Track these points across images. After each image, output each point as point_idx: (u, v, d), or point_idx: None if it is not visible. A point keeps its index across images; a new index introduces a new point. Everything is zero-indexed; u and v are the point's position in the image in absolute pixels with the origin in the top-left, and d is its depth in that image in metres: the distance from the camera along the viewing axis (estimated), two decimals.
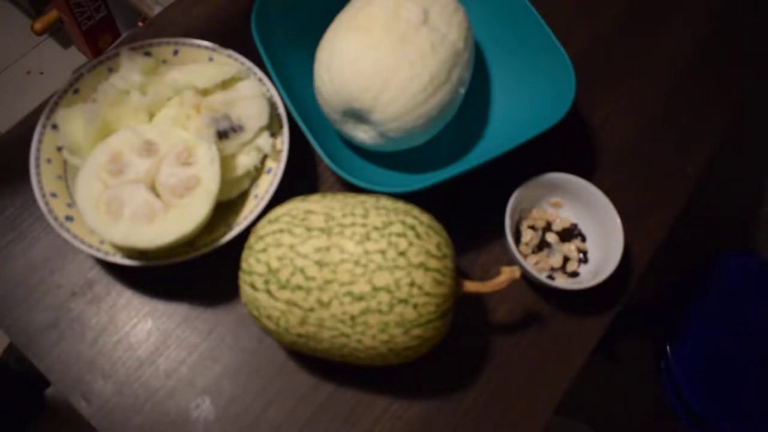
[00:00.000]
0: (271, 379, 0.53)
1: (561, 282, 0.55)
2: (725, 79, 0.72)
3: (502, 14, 0.62)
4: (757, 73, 0.74)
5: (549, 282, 0.54)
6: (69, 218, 0.52)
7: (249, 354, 0.54)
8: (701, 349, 0.94)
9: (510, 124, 0.61)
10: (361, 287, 0.43)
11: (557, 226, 0.59)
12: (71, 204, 0.53)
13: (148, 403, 0.52)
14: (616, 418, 1.25)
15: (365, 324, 0.44)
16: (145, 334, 0.54)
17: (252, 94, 0.56)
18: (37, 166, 0.53)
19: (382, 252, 0.44)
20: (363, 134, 0.56)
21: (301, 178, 0.61)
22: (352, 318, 0.44)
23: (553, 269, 0.58)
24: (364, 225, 0.45)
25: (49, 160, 0.54)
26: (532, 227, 0.59)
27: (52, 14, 1.43)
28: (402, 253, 0.44)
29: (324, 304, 0.44)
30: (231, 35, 0.68)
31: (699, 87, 0.72)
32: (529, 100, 0.60)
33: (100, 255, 0.50)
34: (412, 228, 0.45)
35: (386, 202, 0.47)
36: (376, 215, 0.46)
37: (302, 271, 0.44)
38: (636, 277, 0.60)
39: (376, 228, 0.45)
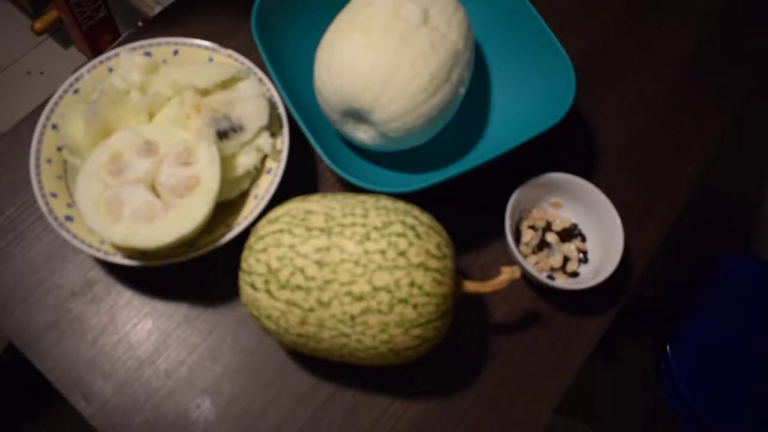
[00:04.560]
0: (271, 379, 0.53)
1: (561, 282, 0.55)
2: (725, 79, 0.72)
3: (502, 14, 0.62)
4: (757, 73, 0.74)
5: (549, 282, 0.54)
6: (69, 218, 0.52)
7: (249, 354, 0.54)
8: (701, 349, 0.94)
9: (510, 124, 0.61)
10: (361, 287, 0.43)
11: (557, 226, 0.59)
12: (71, 204, 0.53)
13: (148, 403, 0.52)
14: (616, 418, 1.24)
15: (365, 324, 0.44)
16: (145, 334, 0.54)
17: (252, 94, 0.56)
18: (37, 166, 0.53)
19: (382, 252, 0.44)
20: (363, 134, 0.56)
21: (301, 178, 0.61)
22: (352, 318, 0.44)
23: (553, 269, 0.58)
24: (364, 225, 0.45)
25: (49, 160, 0.54)
26: (532, 227, 0.59)
27: (52, 14, 1.43)
28: (402, 253, 0.44)
29: (324, 304, 0.44)
30: (231, 35, 0.68)
31: (699, 87, 0.72)
32: (529, 100, 0.60)
33: (100, 255, 0.50)
34: (412, 228, 0.45)
35: (386, 202, 0.47)
36: (376, 215, 0.46)
37: (302, 271, 0.44)
38: (636, 277, 0.60)
39: (376, 228, 0.45)
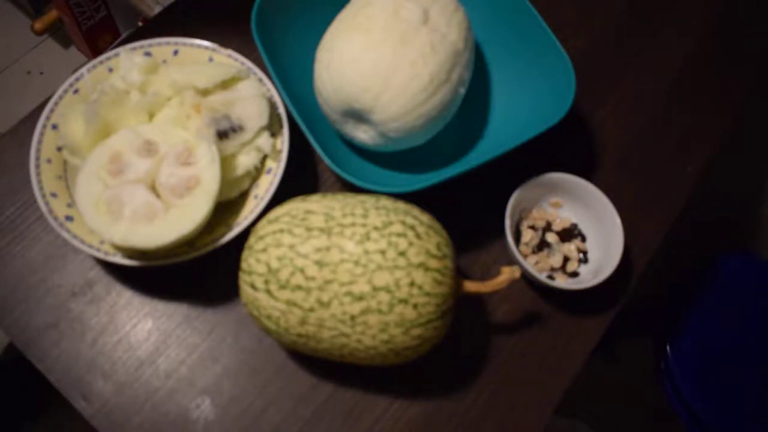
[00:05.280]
0: (271, 379, 0.53)
1: (561, 282, 0.55)
2: (725, 79, 0.72)
3: (502, 14, 0.62)
4: (757, 73, 0.74)
5: (549, 282, 0.54)
6: (69, 218, 0.52)
7: (249, 354, 0.54)
8: (701, 349, 0.94)
9: (510, 124, 0.61)
10: (361, 287, 0.43)
11: (557, 226, 0.59)
12: (71, 204, 0.53)
13: (148, 403, 0.52)
14: (616, 418, 1.25)
15: (365, 324, 0.44)
16: (145, 334, 0.54)
17: (252, 94, 0.56)
18: (37, 166, 0.53)
19: (382, 252, 0.44)
20: (363, 134, 0.56)
21: (301, 178, 0.61)
22: (352, 318, 0.44)
23: (553, 269, 0.58)
24: (364, 225, 0.45)
25: (49, 160, 0.54)
26: (532, 227, 0.59)
27: (52, 14, 1.43)
28: (402, 253, 0.44)
29: (324, 304, 0.44)
30: (231, 35, 0.68)
31: (699, 87, 0.72)
32: (529, 100, 0.60)
33: (100, 255, 0.50)
34: (412, 228, 0.45)
35: (386, 202, 0.47)
36: (376, 215, 0.46)
37: (302, 271, 0.44)
38: (636, 277, 0.60)
39: (376, 228, 0.45)
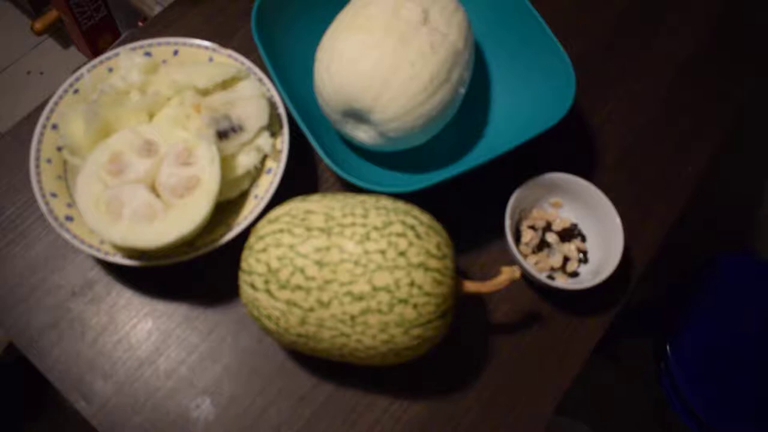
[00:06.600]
0: (271, 379, 0.53)
1: (561, 282, 0.55)
2: (725, 79, 0.72)
3: (502, 14, 0.62)
4: (758, 73, 0.74)
5: (549, 282, 0.54)
6: (69, 218, 0.52)
7: (249, 354, 0.54)
8: (701, 349, 0.94)
9: (510, 124, 0.61)
10: (361, 287, 0.43)
11: (557, 226, 0.59)
12: (71, 204, 0.53)
13: (148, 403, 0.52)
14: (616, 418, 1.25)
15: (365, 324, 0.44)
16: (145, 334, 0.54)
17: (252, 94, 0.56)
18: (37, 166, 0.53)
19: (382, 252, 0.44)
20: (363, 134, 0.56)
21: (301, 178, 0.61)
22: (352, 318, 0.44)
23: (553, 269, 0.58)
24: (364, 225, 0.45)
25: (49, 160, 0.54)
26: (532, 227, 0.59)
27: (52, 14, 1.43)
28: (402, 253, 0.44)
29: (324, 304, 0.44)
30: (231, 35, 0.68)
31: (699, 87, 0.72)
32: (529, 100, 0.60)
33: (100, 255, 0.50)
34: (412, 228, 0.45)
35: (386, 202, 0.47)
36: (376, 215, 0.46)
37: (302, 271, 0.44)
38: (636, 277, 0.60)
39: (376, 228, 0.45)
